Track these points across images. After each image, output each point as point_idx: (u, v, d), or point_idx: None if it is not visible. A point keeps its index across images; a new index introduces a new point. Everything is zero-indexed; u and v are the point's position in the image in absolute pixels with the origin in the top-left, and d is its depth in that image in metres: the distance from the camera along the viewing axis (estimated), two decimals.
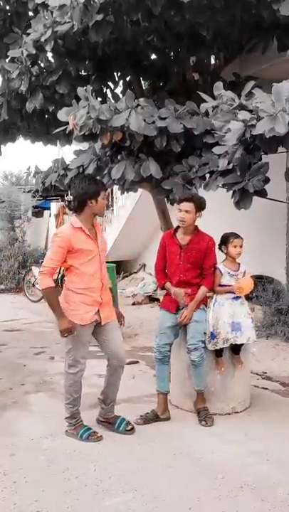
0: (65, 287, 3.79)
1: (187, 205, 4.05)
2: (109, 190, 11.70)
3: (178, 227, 4.21)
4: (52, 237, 3.78)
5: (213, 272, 4.17)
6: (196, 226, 4.19)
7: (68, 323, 3.62)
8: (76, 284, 3.68)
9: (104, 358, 3.86)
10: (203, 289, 4.13)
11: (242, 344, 4.24)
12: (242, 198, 4.34)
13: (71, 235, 3.62)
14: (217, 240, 4.24)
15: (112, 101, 5.35)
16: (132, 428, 3.89)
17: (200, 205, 4.08)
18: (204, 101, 4.61)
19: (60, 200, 13.98)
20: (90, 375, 4.61)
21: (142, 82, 6.76)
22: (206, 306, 4.22)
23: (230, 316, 4.15)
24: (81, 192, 3.66)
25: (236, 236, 4.21)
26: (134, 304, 9.88)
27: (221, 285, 4.19)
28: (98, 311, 3.74)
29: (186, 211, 4.04)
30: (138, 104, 4.65)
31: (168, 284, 4.22)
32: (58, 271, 10.01)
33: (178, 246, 4.15)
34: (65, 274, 3.82)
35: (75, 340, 3.68)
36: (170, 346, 4.16)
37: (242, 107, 4.18)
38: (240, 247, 4.19)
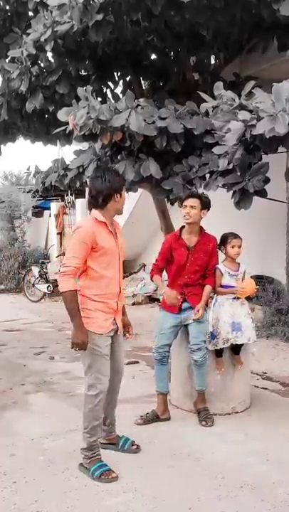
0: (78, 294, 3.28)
1: (192, 201, 4.04)
2: None
3: (182, 228, 4.20)
4: (72, 232, 3.33)
5: (214, 272, 4.18)
6: (201, 227, 4.19)
7: (86, 336, 3.17)
8: (93, 289, 3.26)
9: None
10: (208, 288, 4.13)
11: (242, 344, 4.24)
12: (242, 198, 4.33)
13: (95, 229, 3.23)
14: (218, 240, 4.25)
15: (112, 101, 5.35)
16: (138, 447, 3.60)
17: (205, 203, 4.09)
18: (204, 101, 4.61)
19: (60, 200, 14.00)
20: None
21: (142, 82, 6.76)
22: (206, 307, 4.22)
23: (230, 316, 4.15)
24: (108, 185, 3.26)
25: (234, 236, 4.21)
26: (134, 304, 9.89)
27: (222, 286, 4.19)
28: (114, 318, 3.37)
29: (192, 206, 4.02)
30: (138, 104, 4.65)
31: (157, 279, 4.18)
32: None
33: (186, 248, 4.12)
34: (78, 278, 3.30)
35: (94, 354, 3.23)
36: (169, 347, 4.16)
37: (242, 107, 4.18)
38: (239, 247, 4.18)
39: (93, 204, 3.35)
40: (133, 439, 3.64)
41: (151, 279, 4.34)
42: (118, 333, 3.44)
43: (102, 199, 3.29)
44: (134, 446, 3.60)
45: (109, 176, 3.30)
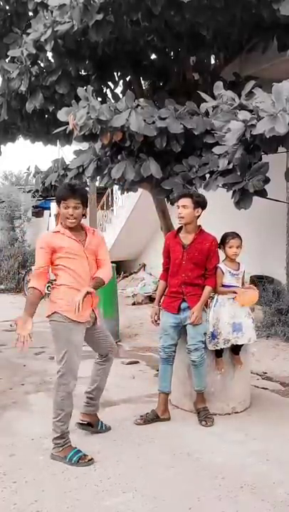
0: (56, 286, 3.59)
1: (184, 201, 4.07)
2: (109, 190, 11.75)
3: (181, 227, 4.22)
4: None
5: (215, 272, 4.17)
6: (200, 226, 4.19)
7: (29, 326, 3.55)
8: (67, 279, 3.52)
9: None
10: (208, 289, 4.13)
11: (242, 344, 4.24)
12: (242, 198, 4.33)
13: (51, 236, 3.59)
14: (218, 240, 4.25)
15: (112, 101, 5.35)
16: (109, 426, 3.91)
17: (198, 202, 4.08)
18: (204, 101, 4.61)
19: None
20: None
21: (142, 82, 6.76)
22: (207, 307, 4.22)
23: (231, 316, 4.15)
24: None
25: (233, 236, 4.21)
26: (134, 304, 9.89)
27: (223, 285, 4.19)
28: (93, 311, 3.65)
29: (184, 206, 4.06)
30: (138, 104, 4.65)
31: (158, 289, 4.41)
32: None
33: (181, 246, 4.15)
34: (55, 275, 3.62)
35: (69, 343, 3.47)
36: (175, 347, 4.16)
37: (242, 107, 4.18)
38: (237, 247, 4.18)
39: None
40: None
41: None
42: (95, 324, 3.69)
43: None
44: (108, 426, 3.90)
45: (58, 189, 3.70)
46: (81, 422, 3.82)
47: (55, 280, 3.62)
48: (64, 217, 3.54)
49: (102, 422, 3.91)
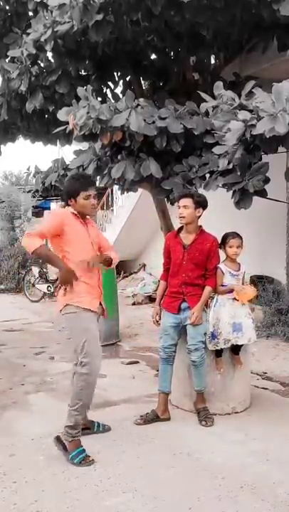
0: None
1: (185, 201, 4.08)
2: (109, 190, 11.75)
3: (181, 227, 4.23)
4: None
5: (215, 272, 4.17)
6: (200, 226, 4.19)
7: (72, 274, 3.45)
8: (77, 272, 3.50)
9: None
10: (208, 289, 4.13)
11: (242, 345, 4.24)
12: (242, 198, 4.33)
13: (63, 213, 3.61)
14: (219, 240, 4.26)
15: (112, 101, 5.36)
16: (109, 426, 3.87)
17: (199, 202, 4.09)
18: (204, 101, 4.61)
19: (60, 200, 14.00)
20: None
21: (142, 82, 6.76)
22: (207, 307, 4.22)
23: (231, 316, 4.15)
24: (64, 190, 3.68)
25: (233, 236, 4.21)
26: (134, 303, 9.89)
27: (223, 285, 4.19)
28: (100, 303, 3.66)
29: (184, 206, 4.06)
30: (138, 104, 4.65)
31: (159, 290, 4.42)
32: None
33: (181, 246, 4.15)
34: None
35: (86, 331, 3.44)
36: (175, 347, 4.16)
37: (242, 107, 4.18)
38: (238, 247, 4.18)
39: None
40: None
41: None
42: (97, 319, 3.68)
43: (63, 199, 3.70)
44: (106, 426, 3.86)
45: (67, 182, 3.73)
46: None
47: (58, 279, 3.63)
48: (88, 208, 3.58)
49: (99, 422, 3.88)
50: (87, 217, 3.70)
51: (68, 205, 3.65)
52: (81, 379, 3.44)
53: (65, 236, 3.50)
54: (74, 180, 3.69)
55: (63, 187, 3.69)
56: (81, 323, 3.49)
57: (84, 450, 3.44)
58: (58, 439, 3.52)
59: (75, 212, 3.60)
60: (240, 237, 4.21)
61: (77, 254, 3.51)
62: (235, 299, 4.19)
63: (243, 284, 4.28)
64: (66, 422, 3.48)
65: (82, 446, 3.46)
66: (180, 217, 4.11)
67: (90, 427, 3.82)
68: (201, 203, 4.11)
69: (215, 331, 4.13)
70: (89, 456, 3.42)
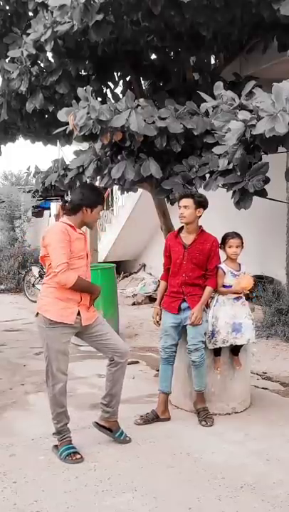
0: (46, 285, 3.60)
1: (186, 201, 4.10)
2: (109, 190, 11.74)
3: (182, 227, 4.24)
4: (48, 237, 3.56)
5: (216, 272, 4.17)
6: (201, 226, 4.20)
7: (98, 287, 3.63)
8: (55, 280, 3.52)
9: (104, 358, 3.78)
10: (209, 290, 4.14)
11: (241, 345, 4.24)
12: (242, 198, 4.33)
13: (65, 229, 3.55)
14: (219, 241, 4.26)
15: (112, 101, 5.34)
16: (130, 438, 3.75)
17: (200, 202, 4.11)
18: (204, 101, 4.60)
19: (60, 200, 14.00)
20: (90, 375, 4.60)
21: (142, 82, 6.75)
22: (207, 307, 4.22)
23: (231, 317, 4.15)
24: (80, 197, 3.61)
25: (232, 236, 4.22)
26: (134, 304, 9.88)
27: (224, 286, 4.19)
28: (78, 312, 3.55)
29: (185, 206, 4.08)
30: (138, 104, 4.65)
31: (159, 290, 4.41)
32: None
33: (182, 246, 4.16)
34: (49, 272, 3.61)
35: (53, 347, 3.49)
36: (176, 347, 4.17)
37: (242, 107, 4.17)
38: (237, 247, 4.18)
39: (65, 209, 3.76)
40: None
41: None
42: (88, 322, 3.58)
43: (71, 207, 3.64)
44: (128, 438, 3.76)
45: (85, 190, 3.67)
46: (98, 423, 3.73)
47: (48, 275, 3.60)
48: (95, 220, 3.68)
49: (122, 431, 3.76)
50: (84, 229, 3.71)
51: (70, 212, 3.62)
52: (48, 390, 3.56)
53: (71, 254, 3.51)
54: (96, 192, 3.70)
55: (81, 194, 3.60)
56: (45, 338, 3.56)
57: (72, 447, 3.51)
58: (55, 446, 3.60)
59: (72, 224, 3.58)
60: (240, 237, 4.22)
61: (74, 265, 3.51)
62: (239, 296, 4.19)
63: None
64: (53, 431, 3.61)
65: (71, 444, 3.53)
66: (181, 217, 4.12)
67: (113, 430, 3.73)
68: (202, 203, 4.12)
69: (214, 329, 4.13)
70: (77, 454, 3.47)
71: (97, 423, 3.72)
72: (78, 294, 3.53)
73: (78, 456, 3.45)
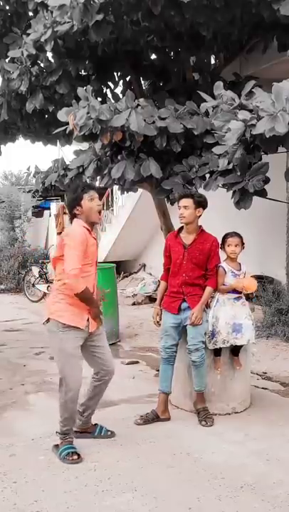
0: (58, 291, 3.55)
1: (185, 201, 4.10)
2: (109, 190, 11.75)
3: (181, 228, 4.24)
4: (69, 238, 3.50)
5: (217, 270, 4.18)
6: (201, 226, 4.21)
7: (99, 309, 3.61)
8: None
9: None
10: (209, 290, 4.14)
11: (241, 346, 4.24)
12: (242, 198, 4.33)
13: (84, 233, 3.50)
14: (220, 240, 4.27)
15: (112, 101, 5.34)
16: (112, 432, 3.82)
17: (199, 202, 4.11)
18: (204, 101, 4.60)
19: (60, 200, 14.00)
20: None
21: (142, 82, 6.75)
22: (207, 307, 4.22)
23: (231, 317, 4.15)
24: (68, 203, 3.63)
25: (231, 235, 4.23)
26: (134, 304, 9.88)
27: (224, 285, 4.20)
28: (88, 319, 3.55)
29: (185, 207, 4.09)
30: (138, 104, 4.65)
31: (159, 290, 4.41)
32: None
33: (182, 246, 4.16)
34: (60, 278, 3.55)
35: (65, 351, 3.46)
36: (176, 347, 4.17)
37: (242, 107, 4.17)
38: (236, 245, 4.19)
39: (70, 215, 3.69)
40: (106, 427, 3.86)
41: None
42: (93, 329, 3.58)
43: (69, 211, 3.63)
44: (109, 432, 3.82)
45: (68, 195, 3.65)
46: (74, 431, 3.71)
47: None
48: (94, 210, 3.53)
49: (101, 427, 3.84)
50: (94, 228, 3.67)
51: (75, 217, 3.58)
52: (60, 396, 3.51)
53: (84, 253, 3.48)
54: (73, 187, 3.68)
55: (66, 201, 3.61)
56: (57, 343, 3.50)
57: (71, 447, 3.49)
58: (55, 446, 3.59)
59: (88, 227, 3.54)
60: (239, 236, 4.22)
61: (85, 272, 3.49)
62: (239, 296, 4.20)
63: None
64: (57, 429, 3.58)
65: (72, 444, 3.52)
66: (180, 218, 4.13)
67: (90, 432, 3.81)
68: (202, 203, 4.13)
69: (214, 329, 4.13)
70: (75, 454, 3.45)
71: (74, 431, 3.70)
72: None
73: (76, 457, 3.44)
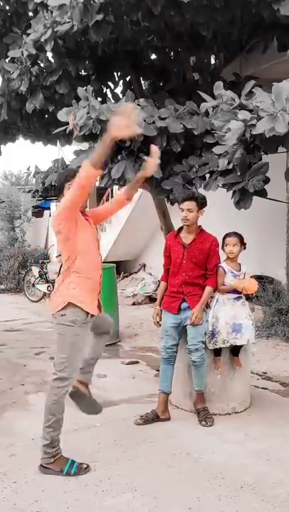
0: (68, 273, 3.30)
1: (189, 204, 4.08)
2: (108, 190, 11.75)
3: (181, 227, 4.24)
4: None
5: (217, 270, 4.18)
6: (200, 226, 4.21)
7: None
8: (81, 266, 3.28)
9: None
10: (209, 289, 4.14)
11: (241, 346, 4.24)
12: (242, 198, 4.34)
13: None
14: (220, 241, 4.27)
15: (112, 101, 5.35)
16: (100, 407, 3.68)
17: (202, 203, 4.12)
18: (204, 101, 4.61)
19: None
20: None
21: (142, 82, 6.76)
22: (207, 307, 4.22)
23: (231, 317, 4.15)
24: (56, 192, 3.54)
25: (230, 235, 4.23)
26: (134, 304, 9.88)
27: (224, 285, 4.20)
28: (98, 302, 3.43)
29: (189, 210, 4.07)
30: (138, 104, 4.65)
31: (159, 290, 4.38)
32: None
33: (181, 245, 4.16)
34: (68, 261, 3.33)
35: (73, 344, 3.24)
36: (177, 347, 4.17)
37: (242, 107, 4.18)
38: (234, 245, 4.18)
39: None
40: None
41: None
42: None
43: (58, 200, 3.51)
44: (100, 405, 3.67)
45: (56, 182, 3.52)
46: (73, 388, 3.50)
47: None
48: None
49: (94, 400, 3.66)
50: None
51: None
52: (53, 393, 3.27)
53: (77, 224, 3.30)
54: (58, 178, 3.55)
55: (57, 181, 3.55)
56: (71, 337, 3.25)
57: (73, 461, 3.28)
58: (43, 467, 3.29)
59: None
60: (238, 236, 4.21)
61: (86, 244, 3.34)
62: (239, 296, 4.20)
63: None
64: (42, 442, 3.30)
65: (68, 458, 3.30)
66: (184, 220, 4.11)
67: (86, 394, 3.59)
68: (204, 204, 4.14)
69: (214, 330, 4.13)
70: (82, 464, 3.30)
71: (72, 391, 3.50)
72: (98, 284, 3.39)
73: (85, 466, 3.29)
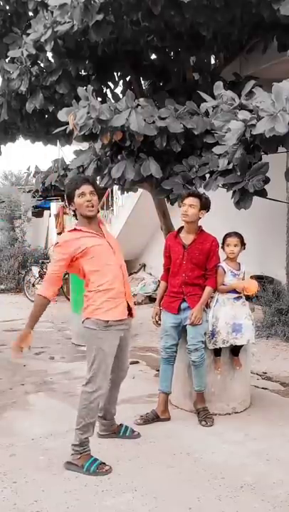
0: (87, 290, 3.43)
1: (192, 200, 4.08)
2: (109, 190, 11.75)
3: (181, 228, 4.24)
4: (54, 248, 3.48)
5: (216, 270, 4.18)
6: (200, 226, 4.21)
7: (29, 340, 3.54)
8: (96, 283, 3.37)
9: None
10: (208, 289, 4.14)
11: (241, 346, 4.24)
12: (242, 198, 4.33)
13: (73, 236, 3.41)
14: (220, 241, 4.27)
15: (112, 101, 5.34)
16: (138, 433, 3.81)
17: (205, 204, 4.12)
18: (204, 101, 4.60)
19: (60, 200, 14.00)
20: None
21: (142, 82, 6.75)
22: (207, 307, 4.22)
23: (231, 317, 4.15)
24: (66, 200, 3.57)
25: (230, 235, 4.24)
26: (134, 304, 9.87)
27: (224, 285, 4.20)
28: (127, 304, 3.49)
29: (190, 205, 4.07)
30: (138, 104, 4.65)
31: (159, 290, 4.40)
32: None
33: (181, 246, 4.16)
34: (85, 281, 3.46)
35: (98, 349, 3.32)
36: (176, 347, 4.17)
37: (242, 107, 4.17)
38: (235, 245, 4.19)
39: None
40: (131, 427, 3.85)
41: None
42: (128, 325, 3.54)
43: (68, 208, 3.59)
44: (136, 433, 3.80)
45: (65, 189, 3.57)
46: (101, 435, 3.76)
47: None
48: (83, 206, 3.40)
49: (127, 427, 3.83)
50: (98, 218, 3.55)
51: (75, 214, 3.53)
52: (85, 397, 3.35)
53: (86, 256, 3.36)
54: (67, 185, 3.61)
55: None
56: (96, 341, 3.35)
57: (96, 459, 3.33)
58: (68, 463, 3.38)
59: (79, 228, 3.44)
60: (238, 236, 4.22)
61: (97, 265, 3.39)
62: (239, 296, 4.20)
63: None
64: (73, 441, 3.40)
65: (92, 456, 3.36)
66: (183, 215, 4.09)
67: (116, 432, 3.79)
68: (207, 206, 4.14)
69: (214, 329, 4.13)
70: (104, 464, 3.32)
71: (100, 434, 3.74)
72: (122, 288, 3.45)
73: (107, 467, 3.30)
